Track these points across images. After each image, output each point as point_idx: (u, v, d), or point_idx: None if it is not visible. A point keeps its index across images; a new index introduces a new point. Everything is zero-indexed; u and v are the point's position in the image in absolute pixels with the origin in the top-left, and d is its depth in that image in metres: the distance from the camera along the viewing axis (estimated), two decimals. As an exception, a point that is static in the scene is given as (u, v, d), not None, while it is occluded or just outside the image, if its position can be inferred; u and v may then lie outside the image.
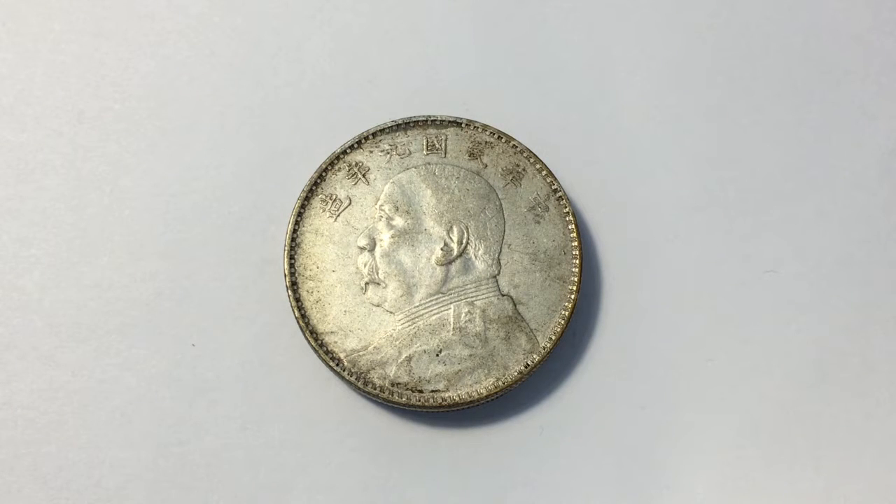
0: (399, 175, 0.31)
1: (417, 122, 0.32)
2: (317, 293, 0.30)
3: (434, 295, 0.30)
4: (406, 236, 0.30)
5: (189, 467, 0.30)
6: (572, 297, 0.30)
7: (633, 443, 0.31)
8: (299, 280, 0.30)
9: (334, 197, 0.31)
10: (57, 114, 0.32)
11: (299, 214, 0.31)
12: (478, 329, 0.30)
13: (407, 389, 0.29)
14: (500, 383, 0.29)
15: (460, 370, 0.30)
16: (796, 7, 0.35)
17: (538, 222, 0.31)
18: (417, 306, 0.30)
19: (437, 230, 0.30)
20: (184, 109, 0.33)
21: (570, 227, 0.31)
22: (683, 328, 0.32)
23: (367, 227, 0.31)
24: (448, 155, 0.31)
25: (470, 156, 0.31)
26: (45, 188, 0.32)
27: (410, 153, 0.31)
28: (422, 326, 0.30)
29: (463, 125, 0.32)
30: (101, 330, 0.31)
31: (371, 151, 0.31)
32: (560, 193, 0.31)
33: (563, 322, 0.30)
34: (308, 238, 0.31)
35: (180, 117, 0.33)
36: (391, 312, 0.30)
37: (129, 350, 0.31)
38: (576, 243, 0.31)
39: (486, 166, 0.31)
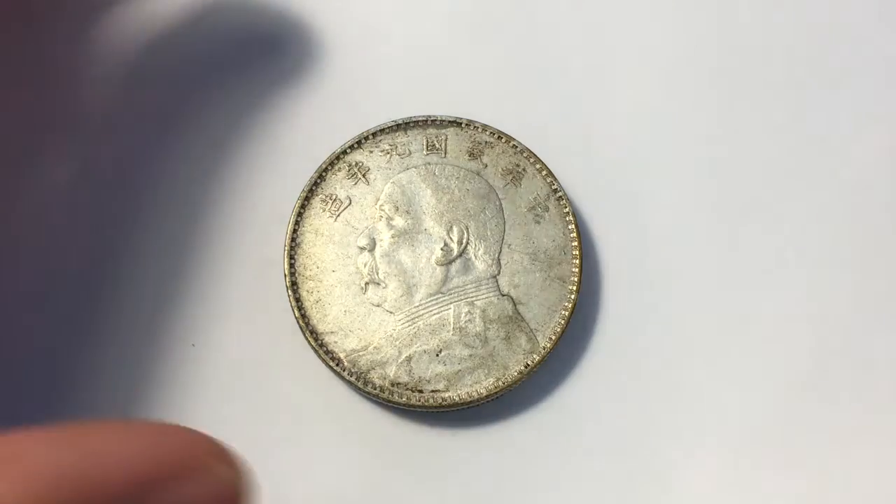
0: (399, 175, 0.31)
1: (417, 122, 0.32)
2: (317, 293, 0.30)
3: (434, 295, 0.30)
4: (406, 236, 0.30)
5: (189, 467, 0.30)
6: (572, 297, 0.30)
7: (633, 443, 0.31)
8: (299, 280, 0.30)
9: (334, 197, 0.31)
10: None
11: (299, 214, 0.31)
12: (478, 329, 0.30)
13: (407, 389, 0.29)
14: (500, 383, 0.30)
15: (460, 370, 0.30)
16: (796, 7, 0.35)
17: (538, 222, 0.31)
18: (417, 306, 0.30)
19: (437, 230, 0.30)
20: (184, 109, 0.33)
21: (570, 227, 0.31)
22: (683, 328, 0.32)
23: (367, 227, 0.31)
24: (448, 155, 0.31)
25: (470, 156, 0.31)
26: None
27: (410, 153, 0.31)
28: (422, 326, 0.30)
29: (463, 125, 0.32)
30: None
31: (371, 151, 0.31)
32: (560, 193, 0.31)
33: (563, 322, 0.30)
34: (308, 238, 0.31)
35: (180, 116, 0.33)
36: (391, 312, 0.30)
37: (128, 350, 0.31)
38: (576, 243, 0.31)
39: (486, 166, 0.31)
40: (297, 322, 0.30)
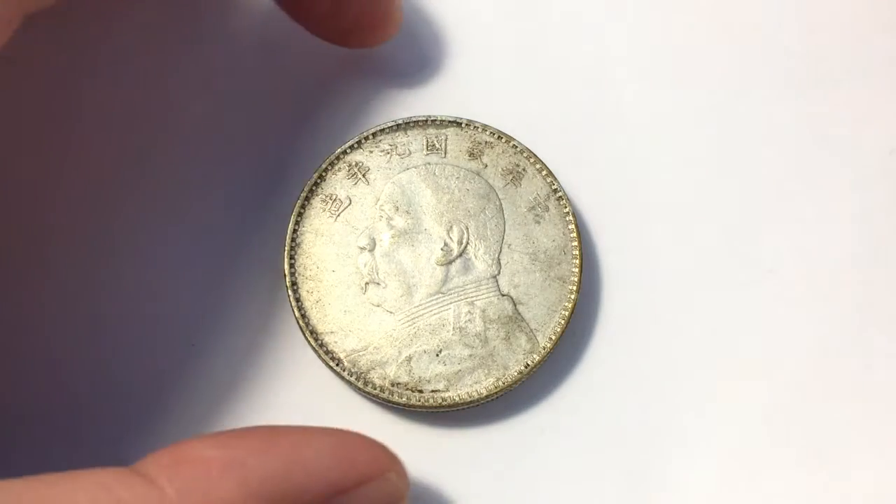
0: (399, 175, 0.31)
1: (417, 122, 0.32)
2: (317, 293, 0.30)
3: (434, 295, 0.30)
4: (406, 236, 0.30)
5: (189, 467, 0.30)
6: (572, 297, 0.30)
7: (633, 443, 0.31)
8: (299, 280, 0.30)
9: (334, 197, 0.31)
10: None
11: (299, 214, 0.31)
12: (478, 329, 0.30)
13: (407, 389, 0.29)
14: (501, 383, 0.30)
15: (460, 370, 0.30)
16: (796, 7, 0.35)
17: (538, 222, 0.31)
18: (417, 306, 0.30)
19: (437, 230, 0.30)
20: (184, 109, 0.33)
21: (570, 227, 0.31)
22: (683, 328, 0.32)
23: (367, 227, 0.31)
24: (448, 155, 0.31)
25: (470, 156, 0.31)
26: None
27: (410, 153, 0.31)
28: (422, 326, 0.30)
29: (463, 125, 0.32)
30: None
31: (371, 151, 0.31)
32: (560, 193, 0.31)
33: (563, 322, 0.30)
34: (308, 238, 0.31)
35: (179, 117, 0.33)
36: (391, 312, 0.30)
37: (128, 350, 0.31)
38: (576, 243, 0.31)
39: (486, 166, 0.31)
40: (297, 322, 0.30)
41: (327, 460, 0.24)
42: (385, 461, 0.25)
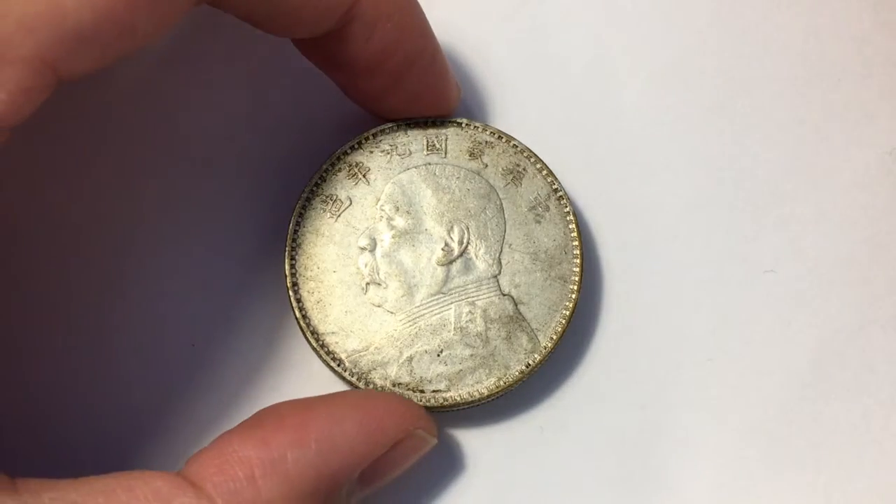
0: (399, 175, 0.31)
1: (417, 122, 0.32)
2: (317, 294, 0.30)
3: (435, 295, 0.30)
4: (407, 236, 0.30)
5: (189, 468, 0.30)
6: (573, 296, 0.30)
7: (633, 443, 0.31)
8: (300, 280, 0.30)
9: (335, 197, 0.31)
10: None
11: (300, 215, 0.31)
12: (479, 329, 0.30)
13: (408, 389, 0.29)
14: (502, 383, 0.30)
15: (461, 370, 0.30)
16: (796, 7, 0.35)
17: (539, 222, 0.31)
18: (418, 306, 0.30)
19: (438, 230, 0.30)
20: (184, 110, 0.33)
21: (570, 226, 0.31)
22: (683, 328, 0.32)
23: (367, 228, 0.31)
24: (448, 155, 0.31)
25: (470, 156, 0.31)
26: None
27: (411, 153, 0.31)
28: (423, 326, 0.30)
29: (463, 125, 0.32)
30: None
31: (371, 152, 0.31)
32: (560, 193, 0.31)
33: (564, 322, 0.30)
34: (309, 238, 0.30)
35: (179, 117, 0.33)
36: (392, 313, 0.30)
37: (128, 350, 0.31)
38: (576, 243, 0.31)
39: (487, 166, 0.31)
40: (298, 323, 0.30)
41: (358, 436, 0.26)
42: (411, 419, 0.27)
